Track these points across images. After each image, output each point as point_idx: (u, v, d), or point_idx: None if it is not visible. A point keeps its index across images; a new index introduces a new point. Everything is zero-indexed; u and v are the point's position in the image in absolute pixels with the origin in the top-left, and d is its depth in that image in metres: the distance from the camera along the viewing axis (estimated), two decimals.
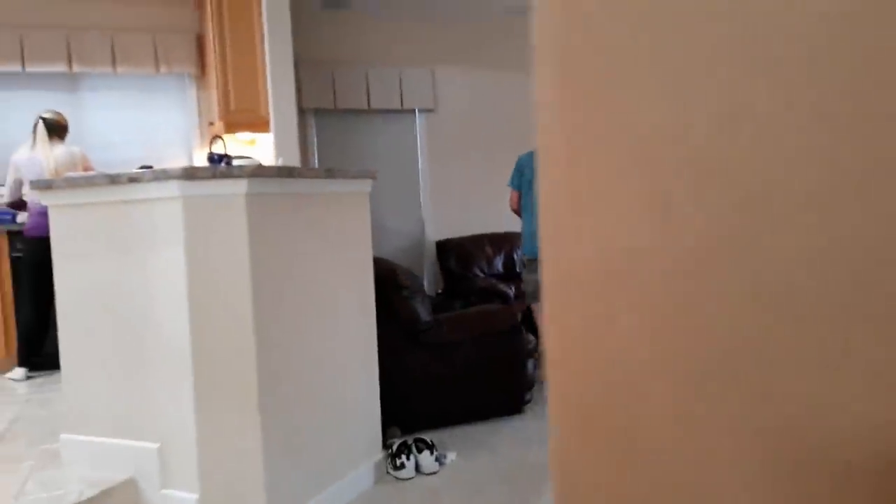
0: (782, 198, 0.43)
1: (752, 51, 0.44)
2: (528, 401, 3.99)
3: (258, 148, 5.56)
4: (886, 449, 0.41)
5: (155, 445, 2.47)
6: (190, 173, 2.37)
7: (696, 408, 0.46)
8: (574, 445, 0.50)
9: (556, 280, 0.49)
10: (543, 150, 0.48)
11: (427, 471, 3.14)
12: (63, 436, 2.67)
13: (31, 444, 2.91)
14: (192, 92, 5.66)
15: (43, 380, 4.18)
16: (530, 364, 3.95)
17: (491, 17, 6.31)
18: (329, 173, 2.83)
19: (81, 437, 2.62)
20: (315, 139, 5.86)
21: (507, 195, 6.32)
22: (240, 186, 2.40)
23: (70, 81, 5.37)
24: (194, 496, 2.40)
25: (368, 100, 5.90)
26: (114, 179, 2.49)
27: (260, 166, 2.57)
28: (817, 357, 0.43)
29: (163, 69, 5.48)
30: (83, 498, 2.30)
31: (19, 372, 4.21)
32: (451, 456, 3.31)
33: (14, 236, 4.52)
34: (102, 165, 4.71)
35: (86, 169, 4.25)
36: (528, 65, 6.48)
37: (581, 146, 0.47)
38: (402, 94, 6.01)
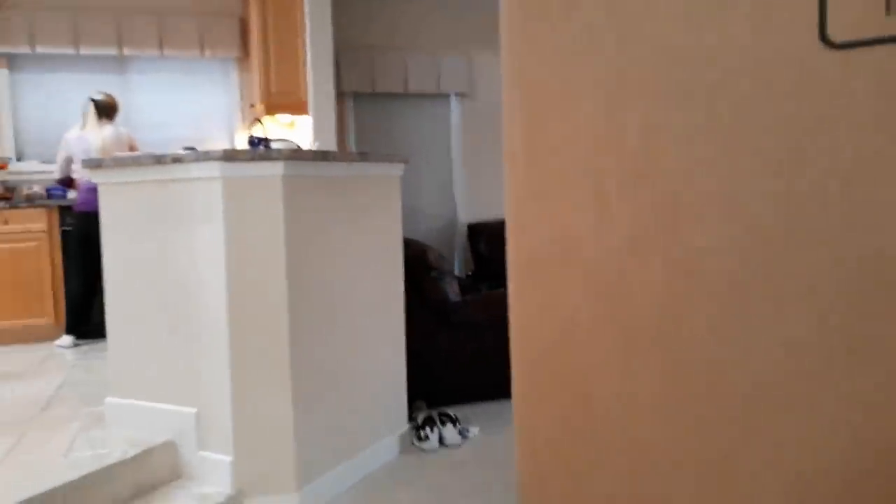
0: (692, 196, 0.54)
1: (670, 81, 0.55)
2: None
3: (297, 130, 5.71)
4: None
5: (193, 410, 2.63)
6: (230, 155, 2.50)
7: (630, 359, 0.57)
8: (534, 395, 0.61)
9: (519, 261, 0.60)
10: (508, 155, 0.59)
11: (450, 443, 3.26)
12: (108, 399, 2.86)
13: (77, 406, 3.11)
14: (234, 75, 5.82)
15: (88, 347, 4.42)
16: None
17: None
18: (363, 157, 2.94)
19: (125, 401, 2.80)
20: (352, 122, 5.98)
21: None
22: (277, 168, 2.53)
23: (119, 64, 5.58)
24: (228, 458, 2.55)
25: (406, 84, 6.00)
26: (159, 160, 2.64)
27: (296, 150, 2.70)
28: (718, 317, 0.53)
29: (207, 53, 5.66)
30: (126, 457, 2.47)
31: (67, 339, 4.46)
32: (474, 430, 3.42)
33: (64, 211, 4.75)
34: (148, 146, 4.92)
35: (131, 149, 4.45)
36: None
37: (538, 153, 0.58)
38: (439, 79, 6.09)
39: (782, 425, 0.52)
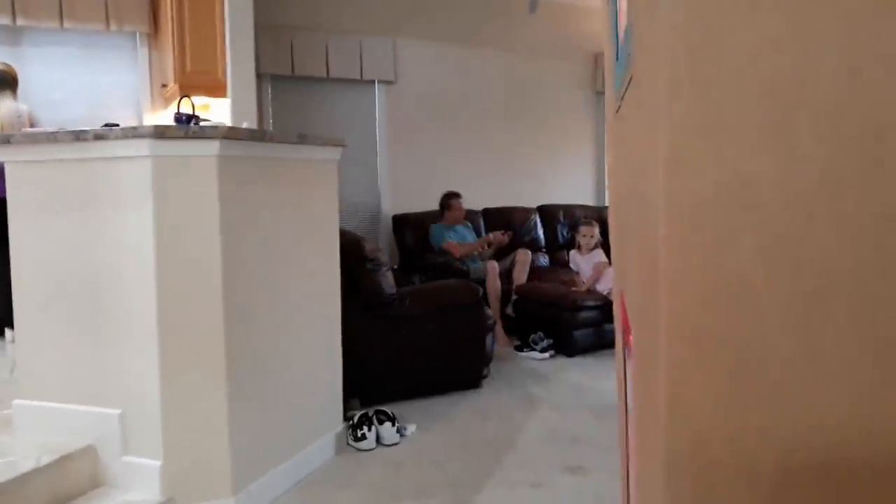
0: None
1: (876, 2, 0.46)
2: (486, 375, 4.02)
3: (212, 113, 5.41)
4: None
5: (116, 411, 2.39)
6: (161, 132, 2.29)
7: (815, 314, 0.49)
8: (689, 364, 0.52)
9: (676, 208, 0.51)
10: (668, 85, 0.49)
11: (388, 442, 3.15)
12: (16, 401, 2.56)
13: None
14: (143, 51, 5.45)
15: None
16: (489, 339, 3.98)
17: None
18: (300, 139, 2.78)
19: (37, 403, 2.52)
20: (270, 106, 5.73)
21: (465, 169, 6.35)
22: (212, 147, 2.34)
23: (12, 35, 5.10)
24: (157, 463, 2.34)
25: (327, 68, 5.79)
26: (78, 136, 2.38)
27: (232, 128, 2.50)
28: None
29: (113, 26, 5.26)
30: (41, 464, 2.22)
31: None
32: (411, 428, 3.32)
33: None
34: (44, 125, 4.50)
35: (32, 128, 4.06)
36: (491, 39, 6.48)
37: (709, 79, 0.48)
38: (362, 64, 5.91)
39: None
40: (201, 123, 3.04)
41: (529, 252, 5.62)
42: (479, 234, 5.85)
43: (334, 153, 3.05)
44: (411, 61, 6.19)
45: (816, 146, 0.48)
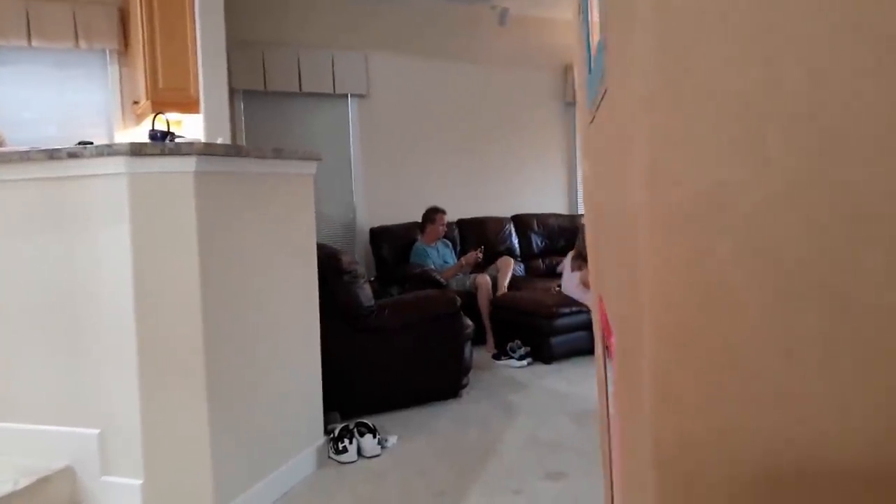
0: (862, 139, 0.49)
1: (839, 14, 0.49)
2: (465, 385, 4.04)
3: (185, 129, 5.38)
4: None
5: (95, 431, 2.37)
6: (136, 149, 2.29)
7: (788, 312, 0.52)
8: (674, 366, 0.55)
9: (659, 215, 0.53)
10: (644, 99, 0.52)
11: (369, 454, 3.15)
12: None
13: None
14: (113, 69, 5.41)
15: None
16: (467, 349, 4.00)
17: (427, 3, 6.31)
18: (276, 153, 2.78)
19: (11, 425, 2.49)
20: (243, 121, 5.72)
21: (439, 180, 6.39)
22: (188, 164, 2.34)
23: None
24: (138, 482, 2.32)
25: (300, 83, 5.80)
26: (52, 155, 2.37)
27: (208, 144, 2.50)
28: (889, 261, 0.49)
29: (83, 44, 5.23)
30: (18, 487, 2.20)
31: None
32: (392, 439, 3.32)
33: None
34: (15, 144, 4.45)
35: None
36: (462, 52, 6.53)
37: (682, 94, 0.51)
38: (334, 79, 5.93)
39: None
40: (176, 140, 3.03)
41: (511, 259, 5.71)
42: (454, 245, 5.90)
43: (310, 167, 3.06)
44: (383, 75, 6.22)
45: (785, 154, 0.51)
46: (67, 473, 2.36)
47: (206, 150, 2.39)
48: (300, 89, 5.80)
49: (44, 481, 2.27)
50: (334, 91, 5.94)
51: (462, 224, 6.26)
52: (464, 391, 4.04)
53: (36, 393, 2.46)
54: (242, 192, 2.61)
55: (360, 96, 6.13)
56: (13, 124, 4.98)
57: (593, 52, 0.95)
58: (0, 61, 5.11)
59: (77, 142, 3.79)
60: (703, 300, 0.52)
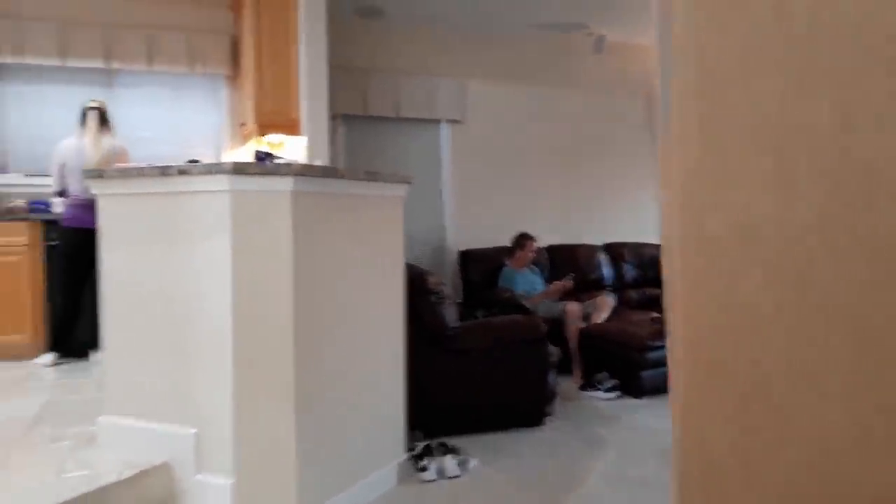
0: (890, 176, 0.51)
1: (868, 60, 0.51)
2: (549, 413, 4.01)
3: (286, 151, 5.64)
4: None
5: (192, 430, 2.52)
6: (239, 168, 2.43)
7: (816, 345, 0.53)
8: (700, 392, 0.56)
9: (691, 247, 0.56)
10: (679, 139, 0.55)
11: (450, 474, 3.17)
12: (101, 418, 2.73)
13: (64, 426, 2.96)
14: (224, 92, 5.75)
15: (70, 367, 4.24)
16: (551, 376, 3.98)
17: (524, 31, 6.39)
18: (369, 176, 2.89)
19: (119, 420, 2.68)
20: (343, 144, 5.93)
21: (530, 206, 6.41)
22: (286, 184, 2.46)
23: (107, 77, 5.47)
24: (229, 482, 2.44)
25: (399, 108, 5.98)
26: (164, 171, 2.55)
27: (306, 165, 2.64)
28: None
29: (197, 68, 5.58)
30: (122, 478, 2.35)
31: (49, 357, 4.28)
32: (473, 462, 3.34)
33: (49, 225, 4.59)
34: (133, 161, 4.79)
35: (124, 163, 4.33)
36: (557, 79, 6.57)
37: (716, 134, 0.54)
38: (432, 105, 6.08)
39: None
40: (277, 161, 3.19)
41: (611, 299, 5.60)
42: (543, 272, 5.87)
43: (401, 190, 3.15)
44: (479, 101, 6.33)
45: (814, 189, 0.53)
46: (165, 469, 2.51)
47: (303, 171, 2.52)
48: (398, 114, 5.98)
49: (144, 475, 2.43)
50: (431, 116, 6.09)
51: (553, 250, 6.23)
52: (547, 419, 4.01)
53: (142, 391, 2.64)
54: (336, 211, 2.72)
55: (455, 122, 6.25)
56: (132, 142, 5.35)
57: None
58: (123, 83, 5.53)
59: (188, 160, 4.04)
60: (733, 324, 0.54)
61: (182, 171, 2.53)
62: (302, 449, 2.51)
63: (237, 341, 2.44)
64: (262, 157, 3.19)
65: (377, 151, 6.04)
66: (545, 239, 6.20)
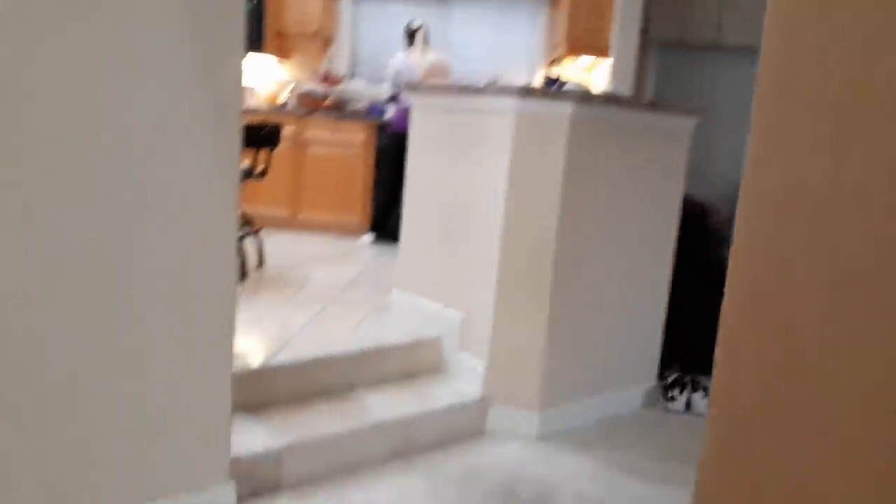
0: None
1: None
2: None
3: (595, 73, 5.76)
4: None
5: (461, 314, 2.95)
6: (524, 92, 2.68)
7: (839, 310, 0.61)
8: (741, 335, 0.68)
9: (749, 204, 0.67)
10: (756, 99, 0.66)
11: (697, 412, 3.21)
12: (393, 291, 3.31)
13: (368, 293, 3.64)
14: (543, 16, 5.99)
15: (383, 248, 5.08)
16: None
17: None
18: (652, 106, 2.95)
19: (407, 295, 3.22)
20: (653, 71, 5.86)
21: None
22: (566, 109, 2.66)
23: None
24: (482, 363, 2.84)
25: (719, 39, 5.71)
26: (462, 90, 2.91)
27: (587, 92, 2.80)
28: None
29: None
30: (400, 343, 2.87)
31: (368, 237, 5.24)
32: None
33: (381, 129, 5.40)
34: (454, 76, 5.34)
35: (444, 78, 4.89)
36: None
37: (786, 95, 0.64)
38: (755, 35, 5.70)
39: None
40: (564, 86, 3.39)
41: None
42: None
43: (688, 123, 3.15)
44: None
45: (863, 158, 0.60)
46: (436, 343, 2.99)
47: (583, 98, 2.69)
48: (717, 44, 5.72)
49: (417, 344, 2.92)
50: (752, 45, 5.72)
51: None
52: None
53: (427, 274, 3.14)
54: (613, 138, 2.85)
55: None
56: (458, 59, 5.91)
57: None
58: (455, 4, 6.04)
59: (489, 81, 4.44)
60: (771, 284, 0.63)
61: (477, 91, 2.86)
62: (549, 350, 2.79)
63: (504, 246, 2.77)
64: (551, 82, 3.40)
65: (690, 82, 5.86)
66: None
